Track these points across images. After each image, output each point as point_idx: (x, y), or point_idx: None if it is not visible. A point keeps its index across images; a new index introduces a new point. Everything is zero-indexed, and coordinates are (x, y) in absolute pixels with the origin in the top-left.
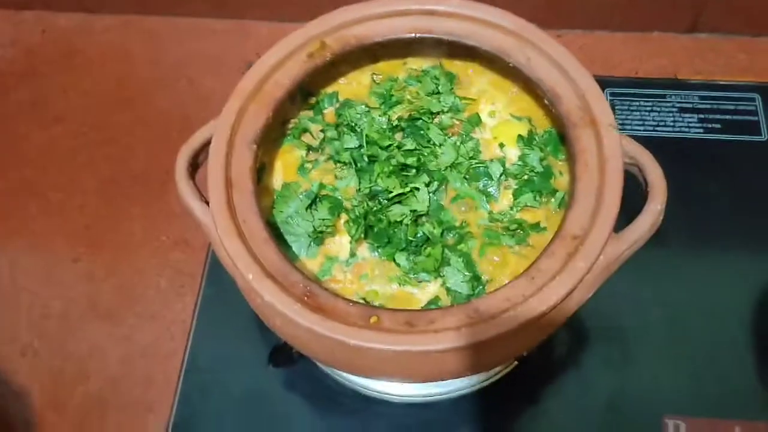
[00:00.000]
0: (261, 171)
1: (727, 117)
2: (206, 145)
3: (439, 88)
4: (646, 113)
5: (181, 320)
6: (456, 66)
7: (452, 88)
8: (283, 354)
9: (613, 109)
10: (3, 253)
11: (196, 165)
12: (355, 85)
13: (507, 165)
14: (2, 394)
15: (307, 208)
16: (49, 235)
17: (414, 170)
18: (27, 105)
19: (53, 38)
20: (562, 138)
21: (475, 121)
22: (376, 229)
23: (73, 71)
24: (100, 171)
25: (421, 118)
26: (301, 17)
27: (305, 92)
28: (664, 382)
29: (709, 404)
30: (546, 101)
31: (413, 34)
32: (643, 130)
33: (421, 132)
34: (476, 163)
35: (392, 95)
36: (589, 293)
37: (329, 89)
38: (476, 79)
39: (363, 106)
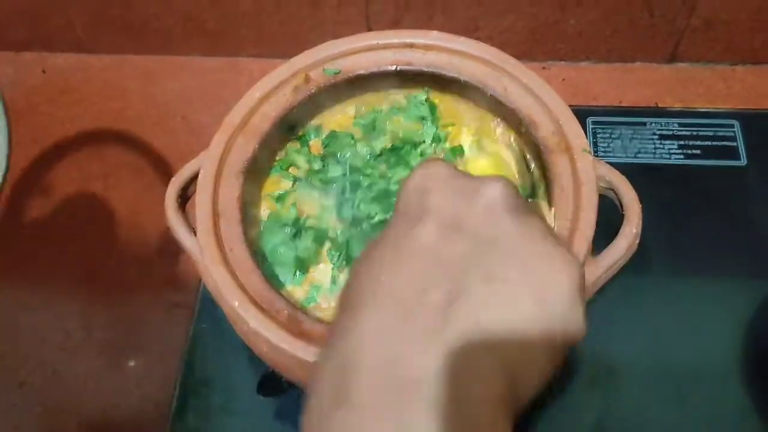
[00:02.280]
0: (249, 202)
1: (707, 143)
2: (196, 176)
3: (422, 116)
4: (628, 141)
5: (173, 353)
6: (440, 98)
7: (434, 119)
8: (272, 383)
9: (595, 138)
10: (1, 287)
11: (185, 197)
12: (339, 116)
13: None
14: (1, 428)
15: (292, 238)
16: (46, 269)
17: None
18: (28, 141)
19: (53, 78)
20: (540, 164)
21: (458, 151)
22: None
23: (71, 108)
24: (98, 206)
25: (404, 147)
26: (291, 54)
27: (292, 125)
28: (651, 404)
29: (697, 426)
30: (523, 129)
31: (395, 67)
32: (625, 157)
33: (405, 160)
34: None
35: (375, 126)
36: None
37: (315, 122)
38: (460, 111)
39: (349, 138)
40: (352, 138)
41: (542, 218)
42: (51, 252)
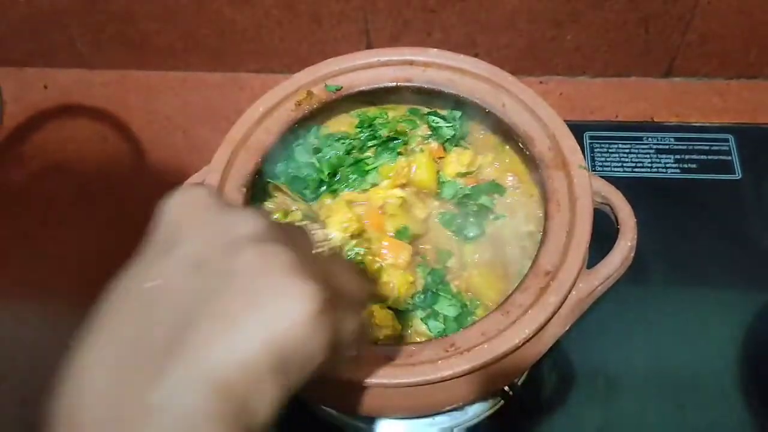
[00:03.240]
0: None
1: (703, 157)
2: None
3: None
4: (625, 155)
5: None
6: None
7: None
8: None
9: (593, 152)
10: (2, 303)
11: None
12: (343, 122)
13: None
14: None
15: None
16: (47, 285)
17: None
18: (28, 157)
19: (54, 93)
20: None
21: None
22: None
23: (73, 124)
24: (100, 221)
25: (398, 138)
26: (291, 69)
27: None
28: (649, 413)
29: None
30: (520, 144)
31: (395, 83)
32: (622, 172)
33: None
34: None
35: (372, 124)
36: (564, 327)
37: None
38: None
39: (341, 136)
40: (346, 137)
41: (296, 249)
42: (51, 268)
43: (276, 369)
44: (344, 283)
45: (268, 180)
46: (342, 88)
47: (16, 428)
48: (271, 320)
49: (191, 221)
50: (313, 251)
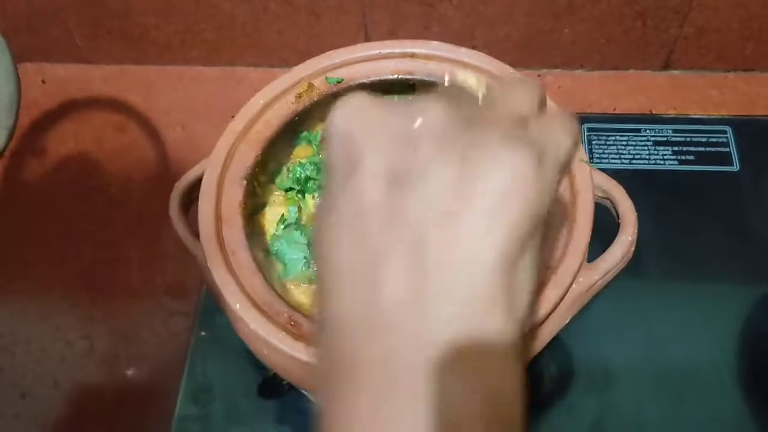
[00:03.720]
0: (261, 207)
1: (700, 149)
2: (199, 182)
3: None
4: (622, 147)
5: (175, 361)
6: None
7: None
8: (272, 386)
9: (591, 144)
10: (1, 298)
11: (188, 201)
12: None
13: None
14: None
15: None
16: (47, 280)
17: None
18: (27, 154)
19: (52, 89)
20: None
21: None
22: None
23: (71, 120)
24: (98, 216)
25: None
26: (289, 63)
27: (298, 132)
28: (647, 407)
29: (693, 429)
30: None
31: (396, 76)
32: (620, 163)
33: None
34: None
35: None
36: (564, 321)
37: (321, 127)
38: None
39: None
40: None
41: (486, 116)
42: (50, 262)
43: (524, 245)
44: (517, 107)
45: None
46: (343, 80)
47: (16, 422)
48: (507, 201)
49: (364, 131)
50: (485, 106)
